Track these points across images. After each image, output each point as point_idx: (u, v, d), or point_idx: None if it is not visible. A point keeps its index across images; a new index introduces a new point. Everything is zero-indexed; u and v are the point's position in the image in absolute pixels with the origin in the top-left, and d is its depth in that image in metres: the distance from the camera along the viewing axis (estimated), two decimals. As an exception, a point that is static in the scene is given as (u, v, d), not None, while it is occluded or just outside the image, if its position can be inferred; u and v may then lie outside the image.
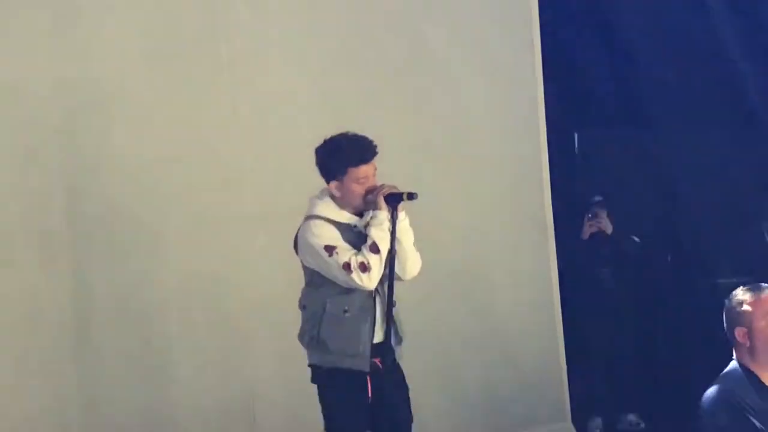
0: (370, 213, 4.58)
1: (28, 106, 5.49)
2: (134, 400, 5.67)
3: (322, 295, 4.56)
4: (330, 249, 4.50)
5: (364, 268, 4.47)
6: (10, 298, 5.40)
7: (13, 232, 5.42)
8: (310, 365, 4.63)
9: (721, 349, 4.17)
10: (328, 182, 4.62)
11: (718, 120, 7.97)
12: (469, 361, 6.85)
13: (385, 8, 6.73)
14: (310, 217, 4.62)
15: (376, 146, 4.59)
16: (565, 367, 7.35)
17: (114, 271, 5.68)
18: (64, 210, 5.58)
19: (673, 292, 8.01)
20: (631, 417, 7.51)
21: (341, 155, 4.57)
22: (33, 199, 5.49)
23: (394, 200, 4.55)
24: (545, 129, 7.39)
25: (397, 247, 4.53)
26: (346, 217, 4.62)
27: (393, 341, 4.59)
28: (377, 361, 4.51)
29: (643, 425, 7.51)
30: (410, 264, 4.65)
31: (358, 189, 4.58)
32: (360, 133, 4.63)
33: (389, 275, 4.50)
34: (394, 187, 4.57)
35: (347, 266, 4.47)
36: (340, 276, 4.50)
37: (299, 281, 4.72)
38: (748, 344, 3.93)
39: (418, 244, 4.72)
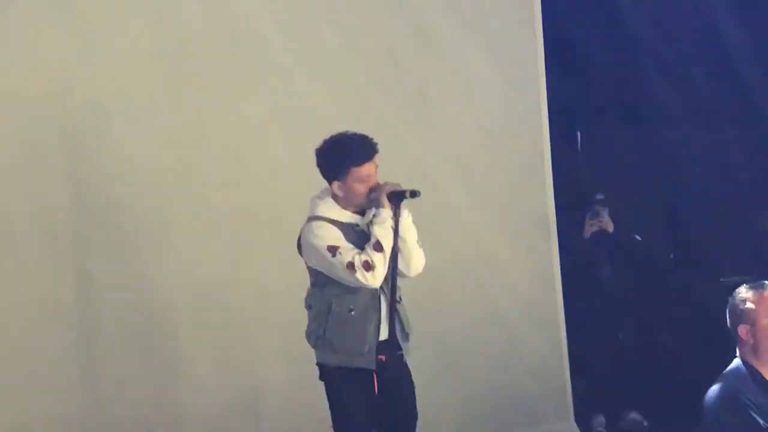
0: (373, 211, 4.59)
1: (33, 104, 5.52)
2: (138, 398, 5.69)
3: (328, 294, 4.57)
4: (333, 249, 4.51)
5: (368, 266, 4.48)
6: (14, 296, 5.41)
7: (18, 230, 5.44)
8: (317, 364, 4.64)
9: (723, 346, 4.17)
10: (330, 182, 4.62)
11: (722, 118, 7.96)
12: (471, 359, 6.85)
13: (390, 4, 6.73)
14: (312, 218, 4.62)
15: (376, 144, 4.60)
16: (567, 365, 7.35)
17: (118, 270, 5.69)
18: (67, 208, 5.60)
19: (676, 290, 8.00)
20: (634, 415, 7.50)
21: (343, 155, 4.58)
22: (37, 197, 5.51)
23: (397, 198, 4.56)
24: (548, 127, 7.40)
25: (400, 244, 4.54)
26: (348, 216, 4.62)
27: (399, 337, 4.62)
28: (383, 358, 4.51)
29: (646, 423, 7.50)
30: (414, 261, 4.66)
31: (361, 188, 4.59)
32: (364, 131, 4.64)
33: (392, 273, 4.51)
34: (397, 185, 4.58)
35: (351, 266, 4.47)
36: (344, 276, 4.51)
37: (303, 279, 4.73)
38: (751, 341, 3.94)
39: (422, 242, 4.73)
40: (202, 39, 6.02)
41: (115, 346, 5.66)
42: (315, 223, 4.58)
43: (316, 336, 4.61)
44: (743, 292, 4.00)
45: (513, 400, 6.94)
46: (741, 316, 3.96)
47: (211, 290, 5.92)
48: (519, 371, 7.02)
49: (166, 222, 5.86)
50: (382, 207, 4.55)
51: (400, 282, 4.63)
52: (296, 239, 4.72)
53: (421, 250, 4.69)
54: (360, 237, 4.59)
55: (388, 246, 4.51)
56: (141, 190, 5.78)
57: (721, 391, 3.92)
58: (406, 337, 4.69)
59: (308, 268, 4.67)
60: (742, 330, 3.95)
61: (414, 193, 4.55)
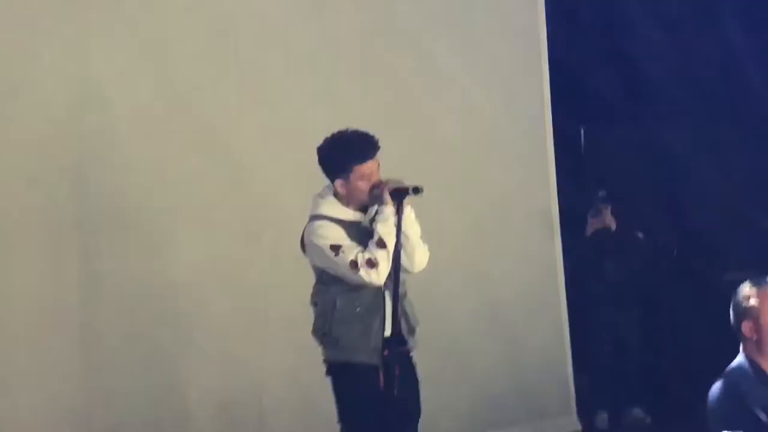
0: (375, 208, 4.58)
1: (38, 104, 5.52)
2: (143, 392, 5.70)
3: (332, 292, 4.59)
4: (336, 248, 4.51)
5: (371, 264, 4.48)
6: (20, 293, 5.42)
7: (23, 228, 5.44)
8: (324, 361, 4.65)
9: (726, 343, 4.17)
10: (332, 180, 4.62)
11: (725, 115, 7.96)
12: (475, 356, 6.86)
13: (391, 7, 6.72)
14: (314, 217, 4.62)
15: (378, 141, 4.60)
16: (571, 361, 7.36)
17: (123, 267, 5.70)
18: (73, 206, 5.61)
19: (679, 286, 8.00)
20: (637, 411, 7.51)
21: (345, 153, 4.58)
22: (42, 195, 5.51)
23: (399, 195, 4.55)
24: (551, 124, 7.40)
25: (404, 240, 4.54)
26: (350, 214, 4.63)
27: (405, 332, 4.62)
28: (389, 354, 4.51)
29: (648, 419, 7.51)
30: (418, 257, 4.66)
31: (364, 185, 4.59)
32: (366, 129, 4.63)
33: (395, 269, 4.51)
34: (400, 182, 4.58)
35: (354, 264, 4.48)
36: (348, 274, 4.51)
37: (306, 275, 4.73)
38: (755, 338, 3.93)
39: (425, 239, 4.73)
40: (208, 37, 6.02)
41: (120, 342, 5.67)
42: (317, 223, 4.59)
43: (322, 333, 4.63)
44: (747, 288, 4.00)
45: (516, 397, 6.95)
46: (744, 312, 3.96)
47: (215, 287, 5.93)
48: (522, 367, 7.03)
49: (171, 220, 5.87)
50: (385, 204, 4.54)
51: (404, 277, 4.63)
52: (299, 237, 4.72)
53: (425, 245, 4.68)
54: (363, 234, 4.59)
55: (391, 243, 4.51)
56: (146, 188, 5.79)
57: (725, 388, 3.92)
58: (412, 331, 4.70)
59: (313, 266, 4.67)
60: (746, 327, 3.95)
61: (417, 190, 4.54)
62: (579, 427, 7.35)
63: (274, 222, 5.99)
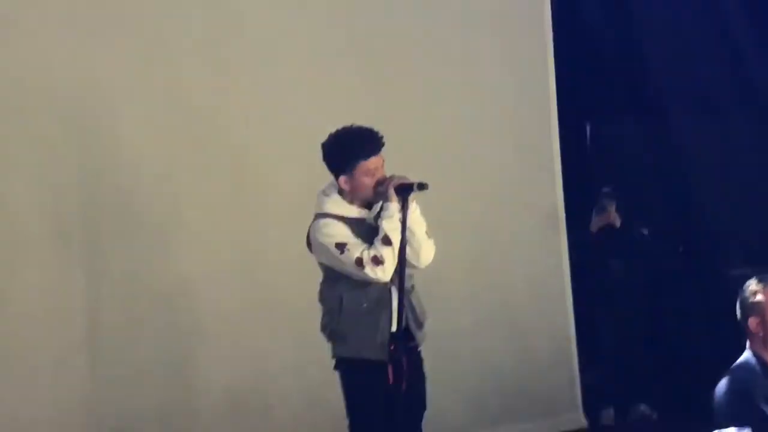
0: (380, 205, 4.58)
1: (44, 101, 5.53)
2: (149, 388, 5.72)
3: (339, 289, 4.59)
4: (341, 246, 4.52)
5: (377, 261, 4.49)
6: (26, 290, 5.44)
7: (29, 225, 5.47)
8: (333, 357, 4.66)
9: (733, 339, 4.16)
10: (337, 176, 4.62)
11: (731, 110, 7.94)
12: (481, 352, 6.86)
13: (395, 3, 6.72)
14: (318, 215, 4.63)
15: (383, 138, 4.60)
16: (576, 358, 7.36)
17: (128, 262, 5.72)
18: (79, 203, 5.63)
19: (685, 282, 7.99)
20: (643, 407, 7.51)
21: (350, 149, 4.57)
22: (48, 192, 5.54)
23: (404, 191, 4.54)
24: (557, 120, 7.39)
25: (409, 236, 4.54)
26: (355, 211, 4.62)
27: (413, 327, 4.64)
28: (397, 349, 4.52)
29: (655, 415, 7.50)
30: (423, 252, 4.66)
31: (368, 181, 4.58)
32: (371, 125, 4.63)
33: (401, 265, 4.51)
34: (405, 178, 4.57)
35: (359, 261, 4.49)
36: (354, 272, 4.52)
37: (312, 270, 4.74)
38: (761, 334, 3.94)
39: (431, 235, 4.72)
40: (214, 33, 6.03)
41: (126, 338, 5.69)
42: (322, 221, 4.59)
43: (330, 330, 4.64)
44: (753, 284, 4.00)
45: (522, 393, 6.95)
46: (751, 308, 3.96)
47: (222, 282, 5.94)
48: (528, 364, 7.03)
49: (178, 216, 5.89)
50: (390, 201, 4.54)
51: (412, 271, 4.64)
52: (305, 232, 4.72)
53: (431, 240, 4.68)
54: (368, 231, 4.58)
55: (396, 240, 4.51)
56: (152, 184, 5.81)
57: (731, 383, 3.92)
58: (420, 326, 4.71)
59: (319, 263, 4.68)
60: (752, 322, 3.95)
61: (422, 186, 4.54)
62: (585, 423, 7.34)
63: (281, 217, 5.99)
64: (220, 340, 5.95)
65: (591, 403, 7.44)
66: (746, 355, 4.00)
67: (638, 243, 7.56)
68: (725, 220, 7.85)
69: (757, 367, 3.93)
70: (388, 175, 4.60)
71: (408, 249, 4.54)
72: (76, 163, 5.63)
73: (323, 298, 4.67)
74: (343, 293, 4.57)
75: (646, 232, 7.60)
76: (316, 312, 4.74)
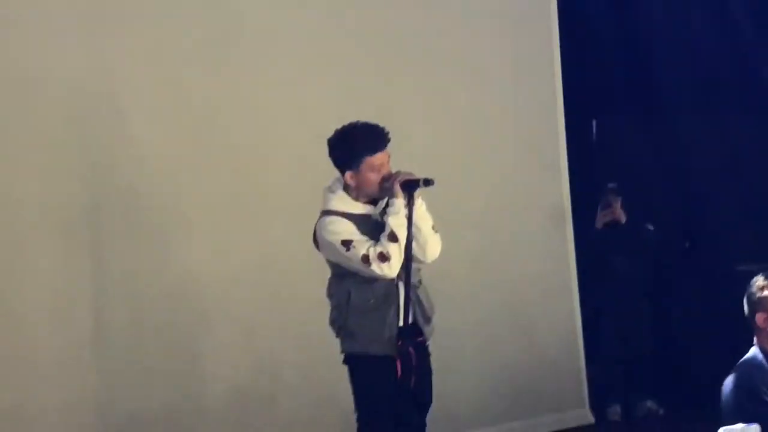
0: (386, 201, 4.58)
1: (50, 98, 5.54)
2: (156, 384, 5.72)
3: (347, 285, 4.60)
4: (347, 244, 4.52)
5: (383, 257, 4.49)
6: (33, 285, 5.45)
7: (35, 222, 5.47)
8: (341, 352, 4.67)
9: (739, 335, 4.16)
10: (343, 172, 4.62)
11: (736, 107, 7.92)
12: (487, 348, 6.86)
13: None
14: (324, 212, 4.64)
15: (388, 134, 4.60)
16: (583, 354, 7.36)
17: (134, 259, 5.72)
18: (84, 200, 5.63)
19: (691, 278, 7.98)
20: (650, 403, 7.50)
21: (356, 144, 4.58)
22: (54, 189, 5.53)
23: (410, 187, 4.55)
24: (563, 116, 7.38)
25: (415, 232, 4.54)
26: (360, 208, 4.63)
27: (421, 322, 4.65)
28: (404, 344, 4.52)
29: (661, 411, 7.50)
30: (430, 247, 4.66)
31: (374, 177, 4.59)
32: (378, 121, 4.63)
33: (407, 261, 4.52)
34: (411, 174, 4.58)
35: (366, 258, 4.50)
36: (360, 268, 4.53)
37: (320, 266, 4.75)
38: (768, 329, 3.94)
39: (437, 230, 4.72)
40: (217, 31, 6.03)
41: (132, 335, 5.69)
42: (328, 219, 4.60)
43: (338, 326, 4.66)
44: (760, 280, 4.01)
45: (529, 389, 6.95)
46: (758, 303, 3.97)
47: (227, 280, 5.95)
48: (535, 360, 7.03)
49: (183, 213, 5.89)
50: (396, 197, 4.54)
51: (419, 265, 4.65)
52: (311, 228, 4.72)
53: (437, 235, 4.69)
54: (374, 227, 4.59)
55: (402, 236, 4.51)
56: (158, 181, 5.81)
57: (738, 379, 3.92)
58: (427, 320, 4.72)
59: (326, 260, 4.69)
60: (760, 318, 3.95)
61: (427, 182, 4.54)
62: (592, 419, 7.34)
63: (286, 214, 6.00)
64: (226, 337, 5.95)
65: (597, 399, 7.44)
66: (753, 350, 4.00)
67: (643, 239, 7.54)
68: (731, 216, 7.84)
69: (764, 363, 3.93)
70: (393, 171, 4.60)
71: (414, 244, 4.55)
72: (81, 162, 5.63)
73: (331, 293, 4.69)
74: (350, 289, 4.58)
75: (651, 228, 7.59)
76: (322, 308, 4.75)
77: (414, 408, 4.62)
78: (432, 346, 4.75)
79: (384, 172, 4.59)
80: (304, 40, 6.30)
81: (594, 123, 8.40)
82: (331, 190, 4.67)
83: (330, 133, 4.66)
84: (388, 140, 4.60)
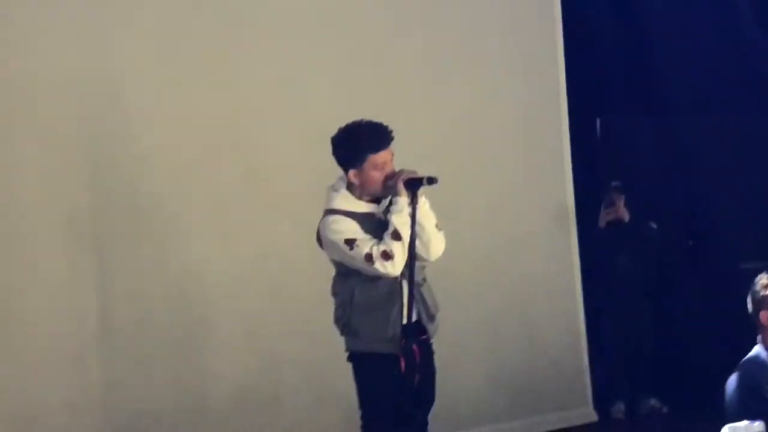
0: (389, 199, 4.59)
1: (53, 97, 5.55)
2: (159, 382, 5.73)
3: (351, 283, 4.60)
4: (350, 242, 4.52)
5: (387, 256, 4.49)
6: (36, 284, 5.46)
7: (39, 221, 5.48)
8: (346, 350, 4.68)
9: (743, 333, 4.16)
10: (346, 170, 4.62)
11: (740, 106, 7.92)
12: (491, 347, 6.86)
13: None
14: (327, 211, 4.64)
15: (392, 132, 4.60)
16: (587, 352, 7.36)
17: (137, 258, 5.74)
18: (88, 200, 5.65)
19: (695, 277, 7.98)
20: (653, 401, 7.50)
21: (360, 142, 4.58)
22: (57, 189, 5.55)
23: (414, 185, 4.54)
24: (567, 115, 7.38)
25: (419, 230, 4.54)
26: (363, 206, 4.63)
27: (424, 320, 4.65)
28: (408, 342, 4.53)
29: (665, 409, 7.50)
30: (434, 245, 4.66)
31: (377, 175, 4.59)
32: (381, 119, 4.63)
33: (410, 259, 4.52)
34: (414, 172, 4.58)
35: (369, 257, 4.49)
36: (364, 267, 4.53)
37: (321, 265, 4.75)
38: (772, 327, 3.94)
39: (441, 229, 4.73)
40: (222, 31, 6.03)
41: (137, 333, 5.70)
42: (331, 218, 4.60)
43: (342, 324, 4.66)
44: (764, 278, 4.01)
45: (532, 387, 6.96)
46: (762, 302, 3.96)
47: (232, 278, 5.96)
48: (538, 358, 7.03)
49: (187, 211, 5.89)
50: (399, 195, 4.54)
51: (424, 263, 4.66)
52: (314, 226, 4.72)
53: (441, 233, 4.69)
54: (377, 226, 4.59)
55: (406, 234, 4.51)
56: (162, 180, 5.82)
57: (742, 378, 3.92)
58: (431, 318, 4.71)
59: (330, 259, 4.69)
60: (764, 316, 3.95)
61: (431, 180, 4.54)
62: (595, 417, 7.34)
63: (290, 212, 6.00)
64: (230, 336, 5.96)
65: (601, 398, 7.44)
66: (757, 348, 4.00)
67: (647, 237, 7.54)
68: (734, 214, 7.84)
69: (766, 361, 3.93)
70: (397, 169, 4.60)
71: (418, 243, 4.55)
72: (85, 162, 5.64)
73: (336, 291, 4.69)
74: (354, 287, 4.58)
75: (654, 226, 7.59)
76: (326, 307, 4.75)
77: (417, 406, 4.63)
78: (435, 344, 4.75)
79: (387, 170, 4.59)
80: (311, 37, 6.30)
81: (598, 122, 8.39)
82: (334, 189, 4.67)
83: (334, 132, 4.66)
84: (392, 138, 4.60)
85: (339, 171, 4.67)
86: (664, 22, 7.93)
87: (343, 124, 4.65)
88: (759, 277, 4.03)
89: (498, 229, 6.94)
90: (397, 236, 4.51)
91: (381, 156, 4.57)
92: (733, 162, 7.95)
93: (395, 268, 4.51)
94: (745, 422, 3.63)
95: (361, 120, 4.62)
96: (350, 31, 6.46)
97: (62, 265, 5.54)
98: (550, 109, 7.31)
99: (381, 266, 4.49)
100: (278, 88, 6.17)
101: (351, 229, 4.55)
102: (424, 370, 4.63)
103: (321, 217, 4.66)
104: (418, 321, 4.63)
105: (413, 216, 4.51)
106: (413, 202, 4.52)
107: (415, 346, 4.55)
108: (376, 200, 4.65)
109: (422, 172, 4.56)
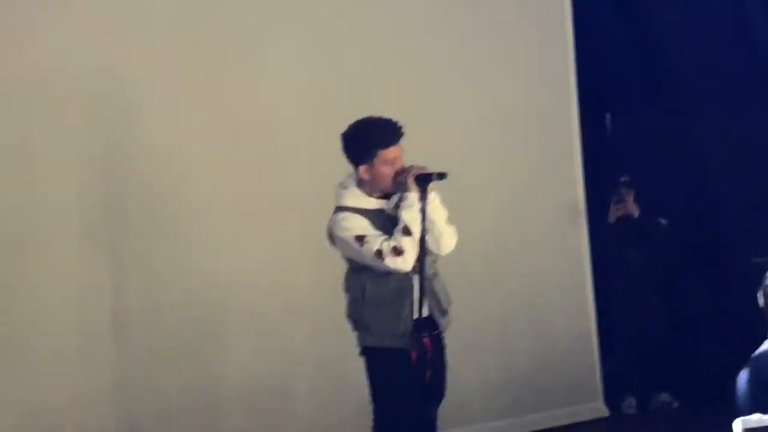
0: (399, 195, 4.59)
1: (67, 97, 5.57)
2: (173, 380, 5.75)
3: (362, 279, 4.62)
4: (360, 239, 4.54)
5: (397, 252, 4.50)
6: (50, 280, 5.48)
7: (54, 222, 5.51)
8: (358, 345, 4.70)
9: (754, 327, 4.15)
10: (356, 166, 4.64)
11: (749, 100, 7.90)
12: (502, 342, 6.87)
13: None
14: (338, 209, 4.66)
15: (402, 127, 4.62)
16: (597, 347, 7.35)
17: (150, 254, 5.76)
18: (103, 201, 5.67)
19: (706, 271, 7.97)
20: (664, 396, 7.50)
21: (370, 138, 4.60)
22: (74, 185, 5.57)
23: (424, 181, 4.56)
24: (577, 110, 7.38)
25: (429, 226, 4.56)
26: (373, 203, 4.64)
27: (436, 314, 4.67)
28: (420, 336, 4.54)
29: (676, 404, 7.49)
30: (444, 240, 4.68)
31: (388, 171, 4.61)
32: (391, 116, 4.64)
33: (421, 254, 4.53)
34: (424, 168, 4.59)
35: (379, 253, 4.51)
36: (374, 263, 4.55)
37: (330, 262, 4.76)
38: (783, 322, 3.92)
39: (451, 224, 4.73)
40: (235, 29, 6.04)
41: (151, 330, 5.72)
42: (341, 215, 4.62)
43: (354, 319, 4.68)
44: (776, 272, 3.99)
45: (543, 382, 6.96)
46: (773, 296, 3.94)
47: (246, 275, 5.97)
48: (549, 353, 7.03)
49: (200, 209, 5.91)
50: (409, 191, 4.55)
51: (435, 257, 4.67)
52: (325, 223, 4.73)
53: (452, 227, 4.70)
54: (388, 222, 4.60)
55: (416, 229, 4.53)
56: (176, 178, 5.84)
57: (753, 373, 3.90)
58: (443, 312, 4.73)
59: (342, 255, 4.70)
60: (774, 310, 3.93)
61: (441, 176, 4.56)
62: (606, 412, 7.34)
63: (302, 208, 6.01)
64: (244, 332, 5.97)
65: (612, 393, 7.43)
66: (767, 344, 3.99)
67: (657, 233, 7.54)
68: (745, 209, 7.82)
69: (777, 356, 3.92)
70: (407, 165, 4.61)
71: (429, 238, 4.57)
72: (99, 158, 5.66)
73: (348, 287, 4.71)
74: (366, 283, 4.60)
75: (664, 222, 7.58)
76: (338, 303, 4.76)
77: (428, 400, 4.64)
78: (446, 339, 4.76)
79: (397, 166, 4.61)
80: (320, 35, 6.31)
81: (608, 117, 8.39)
82: (344, 186, 4.69)
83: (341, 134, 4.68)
84: (402, 134, 4.62)
85: (349, 169, 4.68)
86: (674, 18, 7.92)
87: (351, 121, 4.67)
88: (770, 271, 4.02)
89: (508, 225, 6.95)
90: (407, 232, 4.52)
91: (391, 152, 4.59)
92: (743, 157, 7.93)
93: (406, 263, 4.53)
94: (758, 415, 3.63)
95: (371, 116, 4.63)
96: (362, 30, 6.47)
97: (75, 266, 5.56)
98: (560, 105, 7.31)
99: (392, 262, 4.50)
100: (293, 88, 6.18)
101: (361, 225, 4.57)
102: (436, 364, 4.65)
103: (332, 214, 4.67)
104: (430, 315, 4.64)
105: (423, 211, 4.52)
106: (423, 198, 4.53)
107: (426, 341, 4.57)
108: (386, 196, 4.66)
109: (432, 168, 4.57)
